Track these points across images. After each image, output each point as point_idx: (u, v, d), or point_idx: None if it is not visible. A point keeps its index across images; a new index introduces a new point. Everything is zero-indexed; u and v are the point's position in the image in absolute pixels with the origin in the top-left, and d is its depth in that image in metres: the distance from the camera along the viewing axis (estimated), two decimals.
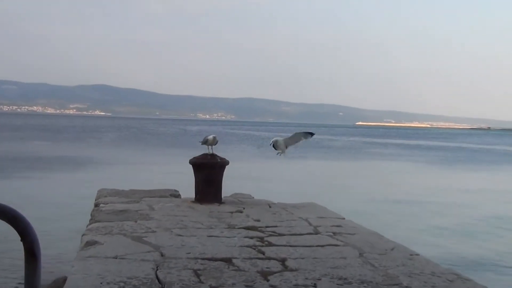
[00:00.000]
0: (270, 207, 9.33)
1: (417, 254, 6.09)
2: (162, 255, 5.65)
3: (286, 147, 9.04)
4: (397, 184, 26.39)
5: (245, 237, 6.66)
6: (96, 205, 9.09)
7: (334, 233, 7.04)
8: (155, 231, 6.80)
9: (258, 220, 7.84)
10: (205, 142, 9.69)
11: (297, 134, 9.21)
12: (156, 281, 4.74)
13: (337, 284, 4.80)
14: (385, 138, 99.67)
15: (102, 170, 27.82)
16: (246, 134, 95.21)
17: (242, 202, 9.79)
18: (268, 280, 4.88)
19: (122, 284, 4.61)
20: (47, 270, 9.13)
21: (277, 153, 9.15)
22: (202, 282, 4.74)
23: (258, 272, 5.14)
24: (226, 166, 9.61)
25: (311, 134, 9.21)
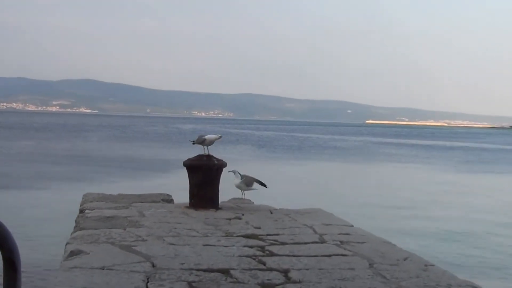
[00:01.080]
0: (271, 213, 9.33)
1: (433, 265, 6.09)
2: (153, 265, 5.65)
3: (243, 184, 10.31)
4: (412, 188, 26.40)
5: (244, 246, 6.66)
6: (81, 211, 9.09)
7: (342, 242, 7.04)
8: (145, 240, 6.80)
9: (259, 228, 7.84)
10: (202, 141, 9.68)
11: (252, 179, 10.40)
12: None
13: None
14: (398, 138, 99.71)
15: (87, 172, 27.83)
16: (246, 133, 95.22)
17: (241, 207, 9.79)
18: None
19: None
20: (29, 281, 9.14)
21: (231, 172, 10.26)
22: None
23: (258, 284, 5.15)
24: (224, 169, 9.63)
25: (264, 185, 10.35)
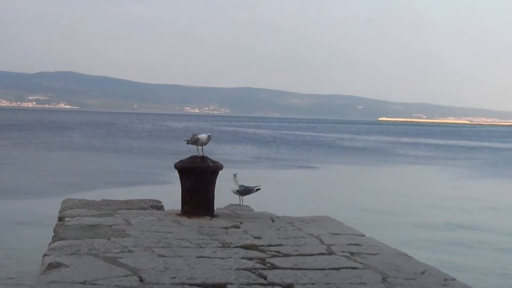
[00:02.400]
0: (273, 221, 9.36)
1: (453, 279, 6.10)
2: (141, 280, 5.67)
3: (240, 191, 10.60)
4: (432, 194, 26.38)
5: (243, 258, 6.68)
6: (61, 218, 9.10)
7: (352, 253, 7.06)
8: (132, 251, 6.82)
9: (259, 238, 7.86)
10: (195, 141, 9.68)
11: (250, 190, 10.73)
12: None
13: None
14: (415, 137, 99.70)
15: (67, 175, 27.83)
16: (245, 132, 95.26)
17: (239, 215, 9.81)
18: None
19: None
20: None
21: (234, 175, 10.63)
22: None
23: None
24: (220, 172, 9.63)
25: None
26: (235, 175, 10.61)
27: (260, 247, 7.25)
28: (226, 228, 8.53)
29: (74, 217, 8.94)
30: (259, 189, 10.73)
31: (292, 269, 6.25)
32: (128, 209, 9.91)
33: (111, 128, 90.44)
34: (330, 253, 7.08)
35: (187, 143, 9.83)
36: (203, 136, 9.70)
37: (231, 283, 5.64)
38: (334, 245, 7.50)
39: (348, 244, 7.57)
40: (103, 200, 10.68)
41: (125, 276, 5.77)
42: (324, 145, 64.20)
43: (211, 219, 9.22)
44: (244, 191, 10.65)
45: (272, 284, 5.69)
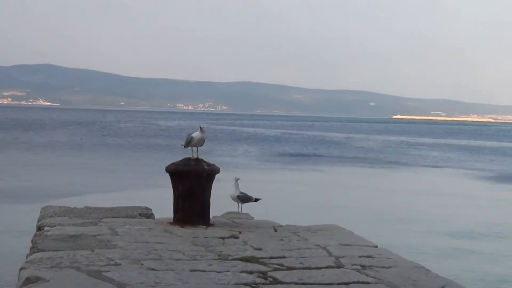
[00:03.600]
0: (275, 230, 9.34)
1: None
2: None
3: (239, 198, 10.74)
4: (451, 201, 26.36)
5: (242, 271, 6.67)
6: (39, 228, 9.09)
7: (363, 266, 7.05)
8: (119, 264, 6.81)
9: (260, 249, 7.85)
10: (188, 142, 9.67)
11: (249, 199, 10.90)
12: None
13: None
14: (434, 137, 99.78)
15: (47, 179, 27.86)
16: (244, 131, 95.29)
17: (237, 224, 9.80)
18: None
19: None
20: None
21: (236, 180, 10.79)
22: None
23: None
24: (216, 175, 9.62)
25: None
26: (237, 180, 10.61)
27: (261, 260, 7.24)
28: (223, 238, 8.51)
29: (54, 226, 8.92)
30: (258, 200, 10.77)
31: (297, 283, 6.24)
32: (114, 217, 9.89)
33: (96, 127, 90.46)
34: (339, 266, 7.07)
35: (185, 147, 9.79)
36: (197, 135, 9.63)
37: None
38: (343, 257, 7.50)
39: (359, 256, 7.56)
40: (86, 207, 10.65)
41: None
42: (333, 146, 64.25)
43: (206, 229, 9.21)
44: (245, 198, 10.67)
45: None
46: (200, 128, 9.76)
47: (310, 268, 6.88)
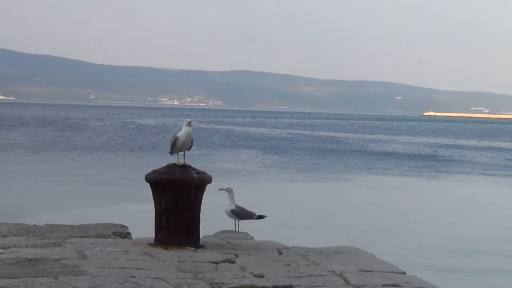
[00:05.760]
0: (280, 253, 9.35)
1: None
2: None
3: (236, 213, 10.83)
4: (498, 220, 26.24)
5: None
6: None
7: None
8: None
9: (261, 276, 7.85)
10: (173, 144, 9.65)
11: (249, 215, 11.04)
12: None
13: None
14: (476, 138, 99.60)
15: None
16: (243, 132, 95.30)
17: (233, 245, 9.80)
18: None
19: None
20: None
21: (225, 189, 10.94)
22: None
23: None
24: (208, 186, 9.62)
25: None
26: (229, 191, 10.62)
27: None
28: (216, 263, 8.52)
29: (9, 248, 8.92)
30: (263, 217, 10.78)
31: None
32: (82, 236, 9.90)
33: (60, 126, 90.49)
34: None
35: (171, 153, 9.77)
36: (183, 134, 9.60)
37: None
38: (364, 286, 7.50)
39: (383, 285, 7.57)
40: (47, 225, 10.66)
41: None
42: (351, 150, 64.19)
43: (195, 251, 9.21)
44: (242, 213, 10.67)
45: None
46: (188, 122, 9.73)
47: None
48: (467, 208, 29.39)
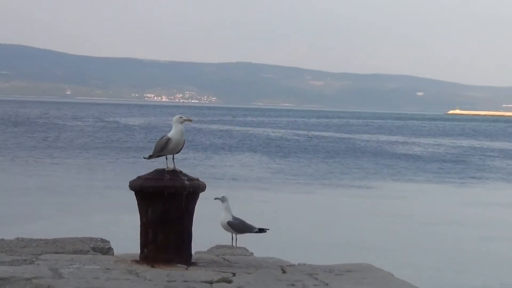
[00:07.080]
0: (284, 272, 9.34)
1: None
2: None
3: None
4: None
5: None
6: None
7: None
8: None
9: None
10: (162, 146, 9.60)
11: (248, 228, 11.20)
12: None
13: None
14: (510, 140, 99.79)
15: None
16: (243, 132, 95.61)
17: (230, 262, 9.80)
18: None
19: None
20: None
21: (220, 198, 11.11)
22: None
23: None
24: (201, 194, 9.61)
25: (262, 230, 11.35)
26: (223, 200, 10.62)
27: None
28: (211, 282, 8.53)
29: None
30: (264, 230, 10.83)
31: None
32: (57, 252, 9.91)
33: (31, 127, 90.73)
34: None
35: (148, 158, 9.76)
36: (176, 135, 9.56)
37: None
38: None
39: None
40: (18, 238, 10.68)
41: None
42: (367, 152, 64.46)
43: (186, 269, 9.21)
44: (240, 225, 10.69)
45: None
46: (179, 117, 9.69)
47: None
48: (502, 221, 29.38)
